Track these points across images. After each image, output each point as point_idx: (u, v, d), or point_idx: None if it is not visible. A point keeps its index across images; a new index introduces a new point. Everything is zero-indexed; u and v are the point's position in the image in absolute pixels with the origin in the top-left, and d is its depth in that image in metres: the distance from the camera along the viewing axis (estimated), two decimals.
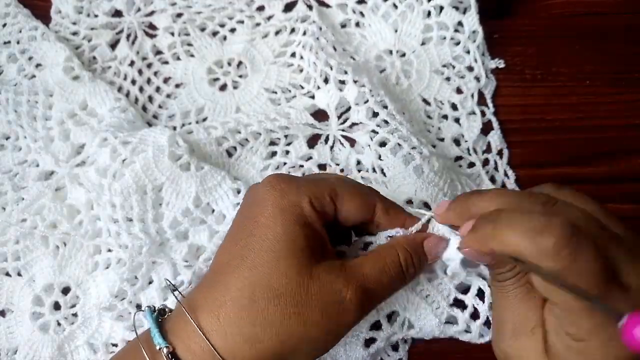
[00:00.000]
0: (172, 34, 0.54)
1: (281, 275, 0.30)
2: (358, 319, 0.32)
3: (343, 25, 0.54)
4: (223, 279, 0.32)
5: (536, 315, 0.31)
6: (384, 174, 0.46)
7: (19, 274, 0.44)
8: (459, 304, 0.41)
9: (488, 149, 0.49)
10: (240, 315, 0.30)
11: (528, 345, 0.31)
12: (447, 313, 0.41)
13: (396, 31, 0.53)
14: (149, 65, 0.53)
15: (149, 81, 0.52)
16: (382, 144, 0.46)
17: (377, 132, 0.46)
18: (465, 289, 0.41)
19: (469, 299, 0.41)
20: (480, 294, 0.41)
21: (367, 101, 0.47)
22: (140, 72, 0.53)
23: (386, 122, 0.46)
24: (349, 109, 0.49)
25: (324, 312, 0.31)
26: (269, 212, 0.32)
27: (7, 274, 0.44)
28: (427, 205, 0.44)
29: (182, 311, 0.31)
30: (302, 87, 0.51)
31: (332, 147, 0.48)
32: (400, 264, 0.34)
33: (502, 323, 0.32)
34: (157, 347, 0.30)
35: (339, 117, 0.49)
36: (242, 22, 0.54)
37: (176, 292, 0.35)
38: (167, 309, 0.34)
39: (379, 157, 0.46)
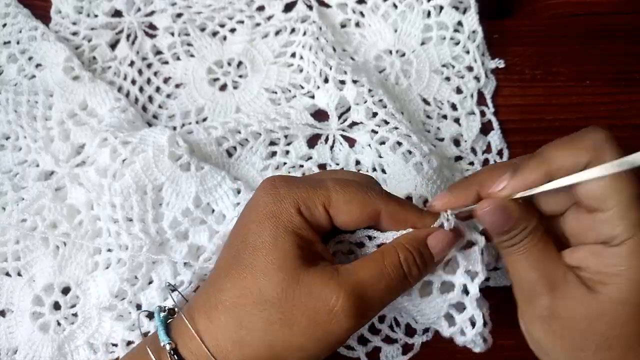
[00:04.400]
0: (172, 34, 0.54)
1: (268, 282, 0.30)
2: (352, 327, 0.31)
3: (343, 25, 0.54)
4: (218, 282, 0.32)
5: (560, 267, 0.31)
6: (384, 172, 0.46)
7: (19, 274, 0.44)
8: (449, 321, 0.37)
9: (488, 149, 0.49)
10: (227, 318, 0.31)
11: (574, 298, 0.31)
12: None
13: (396, 31, 0.53)
14: (149, 65, 0.53)
15: (149, 81, 0.53)
16: (382, 142, 0.46)
17: (377, 132, 0.46)
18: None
19: (461, 319, 0.36)
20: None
21: (366, 101, 0.47)
22: (140, 72, 0.53)
23: (386, 121, 0.46)
24: (349, 108, 0.49)
25: (311, 320, 0.30)
26: (259, 219, 0.32)
27: (7, 274, 0.44)
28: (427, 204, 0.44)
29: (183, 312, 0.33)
30: (302, 87, 0.51)
31: (332, 147, 0.48)
32: (400, 265, 0.32)
33: (530, 287, 0.32)
34: (162, 344, 0.31)
35: (339, 117, 0.49)
36: (242, 22, 0.54)
37: (175, 294, 0.35)
38: (176, 309, 0.35)
39: (379, 155, 0.46)
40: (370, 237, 0.34)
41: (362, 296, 0.30)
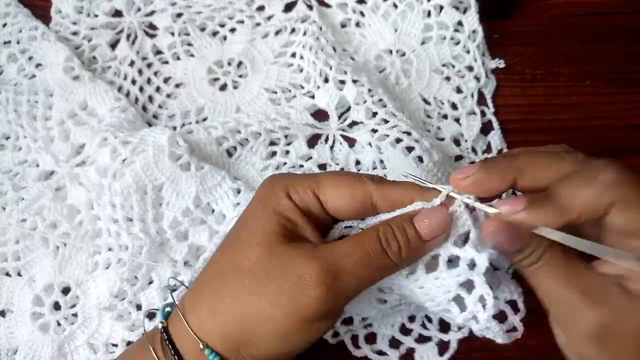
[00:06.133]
0: (172, 34, 0.54)
1: (245, 254, 0.31)
2: (322, 296, 0.29)
3: (343, 25, 0.54)
4: (209, 262, 0.34)
5: (596, 279, 0.29)
6: (385, 167, 0.46)
7: (19, 274, 0.44)
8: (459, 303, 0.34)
9: (488, 149, 0.49)
10: (208, 291, 0.32)
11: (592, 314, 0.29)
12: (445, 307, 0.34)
13: (396, 31, 0.53)
14: (149, 65, 0.53)
15: (149, 81, 0.52)
16: (383, 139, 0.46)
17: (377, 131, 0.46)
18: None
19: (471, 301, 0.32)
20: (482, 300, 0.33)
21: (366, 101, 0.47)
22: (140, 72, 0.53)
23: (386, 121, 0.46)
24: (349, 108, 0.49)
25: (279, 288, 0.30)
26: (252, 203, 0.34)
27: (7, 274, 0.44)
28: None
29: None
30: (302, 87, 0.51)
31: (332, 147, 0.48)
32: (378, 238, 0.30)
33: (569, 306, 0.29)
34: (158, 326, 0.33)
35: (339, 117, 0.49)
36: (242, 22, 0.54)
37: (173, 282, 0.38)
38: (176, 302, 0.36)
39: (379, 151, 0.46)
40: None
41: (333, 265, 0.30)
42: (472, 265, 0.32)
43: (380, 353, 0.40)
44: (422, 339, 0.40)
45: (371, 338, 0.41)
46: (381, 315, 0.40)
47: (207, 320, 0.31)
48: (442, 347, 0.40)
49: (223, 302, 0.31)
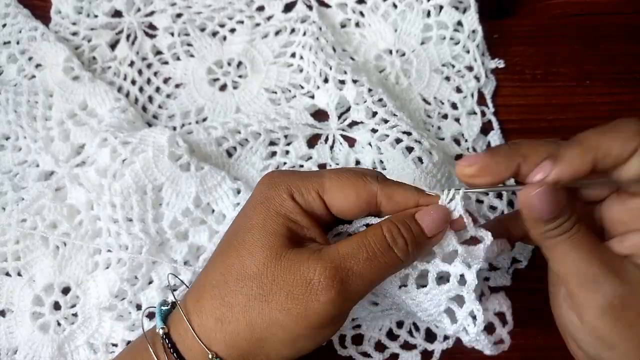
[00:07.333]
0: (172, 34, 0.54)
1: (251, 259, 0.31)
2: (332, 300, 0.29)
3: (343, 25, 0.54)
4: (209, 264, 0.33)
5: (616, 255, 0.30)
6: (384, 168, 0.46)
7: (19, 274, 0.44)
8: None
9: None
10: (212, 295, 0.31)
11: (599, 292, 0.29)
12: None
13: (396, 30, 0.53)
14: (149, 66, 0.53)
15: (149, 81, 0.53)
16: (382, 139, 0.46)
17: (377, 131, 0.46)
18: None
19: (462, 315, 0.33)
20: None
21: (366, 101, 0.47)
22: (140, 72, 0.53)
23: (385, 120, 0.46)
24: (349, 108, 0.49)
25: (289, 294, 0.29)
26: (253, 204, 0.33)
27: (7, 274, 0.44)
28: None
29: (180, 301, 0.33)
30: (302, 87, 0.51)
31: (331, 147, 0.48)
32: (383, 236, 0.31)
33: (591, 276, 0.30)
34: (157, 330, 0.32)
35: (339, 117, 0.49)
36: (242, 22, 0.54)
37: (173, 280, 0.37)
38: (178, 303, 0.35)
39: (379, 152, 0.46)
40: (368, 226, 0.33)
41: (341, 268, 0.30)
42: (462, 280, 0.32)
43: (365, 355, 0.41)
44: (408, 346, 0.41)
45: (358, 339, 0.42)
46: (371, 317, 0.41)
47: (214, 328, 0.31)
48: (426, 356, 0.41)
49: (231, 310, 0.30)
